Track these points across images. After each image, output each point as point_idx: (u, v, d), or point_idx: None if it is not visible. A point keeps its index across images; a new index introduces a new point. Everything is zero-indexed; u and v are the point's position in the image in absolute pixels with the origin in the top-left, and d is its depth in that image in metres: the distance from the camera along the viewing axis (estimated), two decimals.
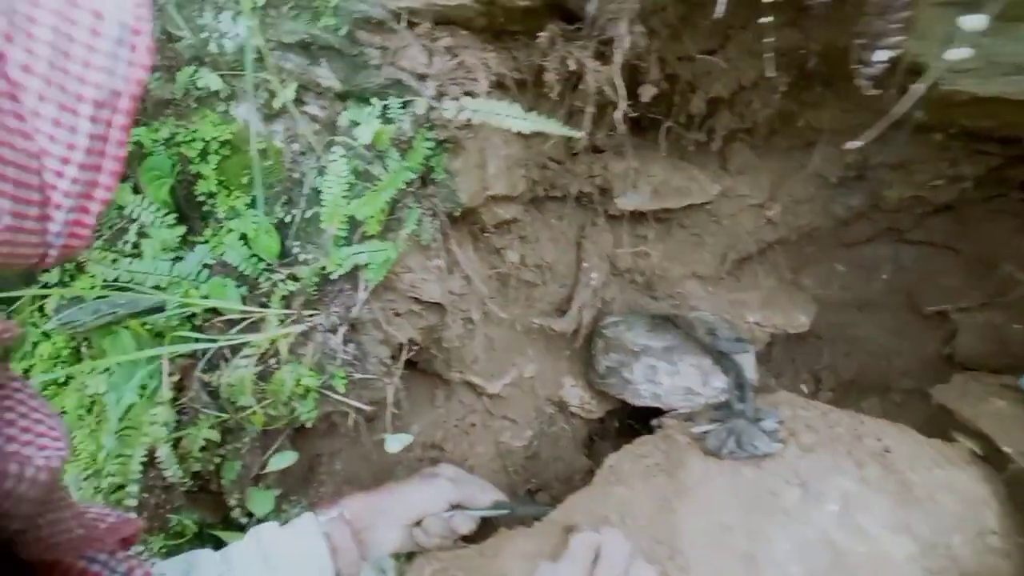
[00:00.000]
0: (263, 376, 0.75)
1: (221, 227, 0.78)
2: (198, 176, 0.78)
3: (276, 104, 0.72)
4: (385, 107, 0.67)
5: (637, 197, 0.94)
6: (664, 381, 0.89)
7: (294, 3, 0.68)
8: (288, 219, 0.76)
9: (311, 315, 0.74)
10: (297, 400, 0.74)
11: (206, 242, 0.78)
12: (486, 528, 0.86)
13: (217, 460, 0.78)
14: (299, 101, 0.72)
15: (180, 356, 0.75)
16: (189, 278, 0.75)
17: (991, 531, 0.62)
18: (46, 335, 0.78)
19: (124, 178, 0.79)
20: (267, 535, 0.72)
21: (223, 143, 0.77)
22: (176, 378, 0.75)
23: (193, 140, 0.76)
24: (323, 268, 0.74)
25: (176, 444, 0.75)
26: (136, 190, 0.78)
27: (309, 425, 0.76)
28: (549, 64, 0.69)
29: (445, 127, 0.65)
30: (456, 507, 0.83)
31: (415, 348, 0.83)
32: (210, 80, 0.74)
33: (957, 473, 0.68)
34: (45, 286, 0.77)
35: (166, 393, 0.73)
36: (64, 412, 0.78)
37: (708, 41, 0.71)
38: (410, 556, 0.86)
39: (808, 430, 0.78)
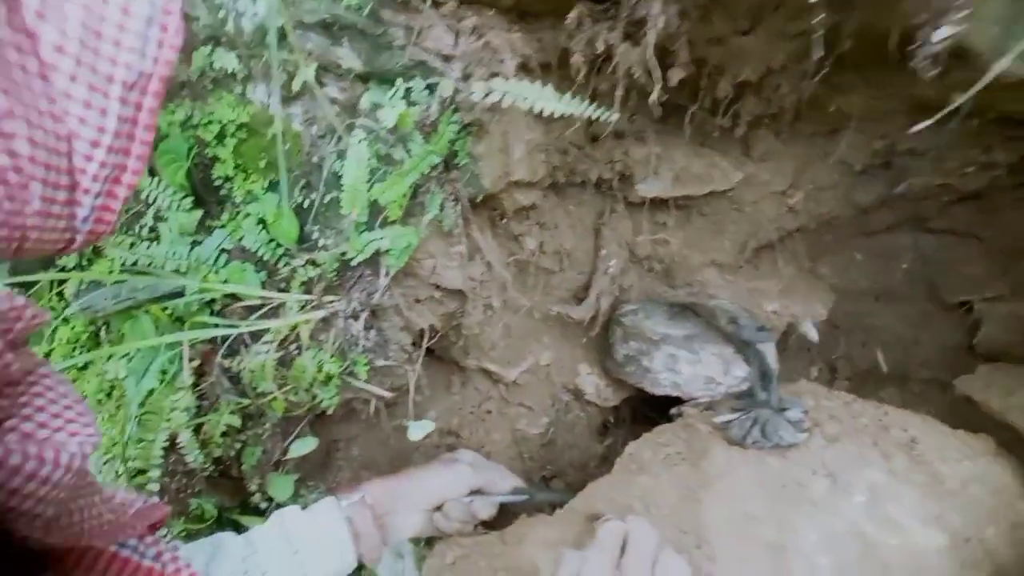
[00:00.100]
0: (283, 362, 0.75)
1: (239, 211, 0.77)
2: (215, 159, 0.77)
3: (295, 85, 0.70)
4: (408, 89, 0.65)
5: (658, 184, 0.92)
6: (684, 370, 0.88)
7: None
8: (307, 204, 0.75)
9: (331, 301, 0.73)
10: (319, 386, 0.73)
11: (224, 226, 0.77)
12: (503, 514, 0.86)
13: (238, 446, 0.78)
14: (318, 83, 0.70)
15: (200, 341, 0.74)
16: (208, 263, 0.75)
17: None
18: (65, 320, 0.78)
19: None
20: (290, 519, 0.72)
21: (240, 126, 0.75)
22: (196, 363, 0.75)
23: (210, 123, 0.75)
24: (343, 254, 0.73)
25: (197, 430, 0.75)
26: (152, 173, 0.76)
27: (330, 412, 0.76)
28: (575, 46, 0.67)
29: (471, 110, 0.64)
30: (476, 492, 0.83)
31: (435, 335, 0.83)
32: (227, 61, 0.72)
33: (988, 465, 0.68)
34: (63, 270, 0.76)
35: (187, 378, 0.73)
36: (84, 397, 0.77)
37: (739, 22, 0.69)
38: (429, 541, 0.87)
39: (832, 420, 0.77)
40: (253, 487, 0.81)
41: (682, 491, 0.70)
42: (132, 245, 0.74)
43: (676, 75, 0.70)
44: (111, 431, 0.76)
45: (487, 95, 0.58)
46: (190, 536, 0.82)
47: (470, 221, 0.77)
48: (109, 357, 0.75)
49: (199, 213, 0.76)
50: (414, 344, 0.79)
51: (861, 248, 1.18)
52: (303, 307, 0.73)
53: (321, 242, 0.74)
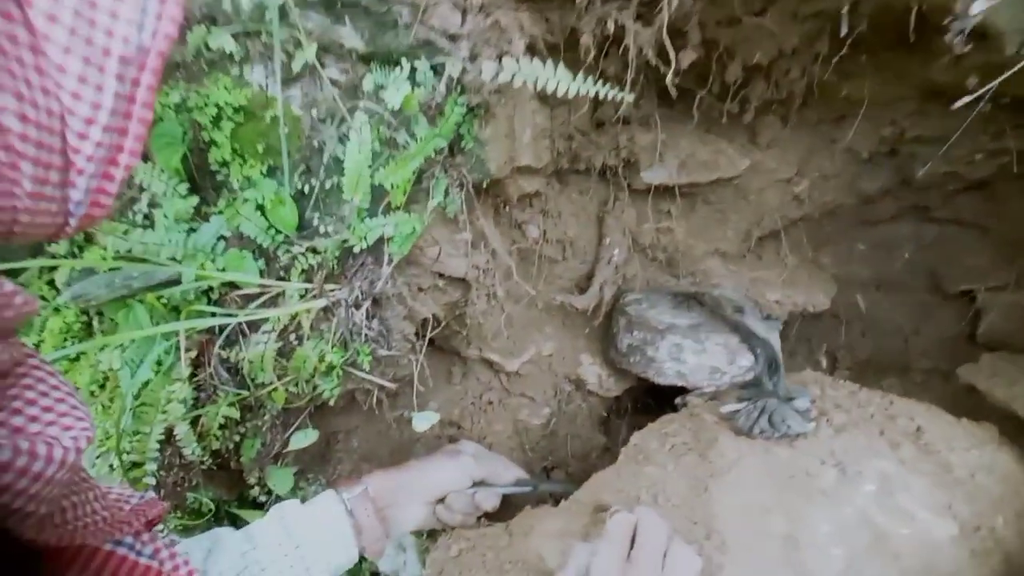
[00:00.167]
0: (283, 352, 0.73)
1: (236, 197, 0.75)
2: (211, 144, 0.74)
3: (295, 67, 0.68)
4: (413, 70, 0.63)
5: (663, 171, 0.91)
6: (689, 359, 0.88)
7: None
8: (307, 189, 0.73)
9: (333, 290, 0.71)
10: (320, 377, 0.71)
11: (221, 213, 0.74)
12: (506, 506, 0.85)
13: (236, 438, 0.76)
14: (318, 64, 0.68)
15: (197, 331, 0.72)
16: (204, 250, 0.72)
17: None
18: (56, 309, 0.75)
19: None
20: (290, 513, 0.70)
21: (237, 109, 0.73)
22: (193, 354, 0.73)
23: (205, 106, 0.72)
24: (345, 241, 0.71)
25: (195, 422, 0.73)
26: (145, 158, 0.74)
27: (332, 403, 0.74)
28: (585, 26, 0.66)
29: (478, 91, 0.62)
30: (478, 484, 0.82)
31: (437, 325, 0.81)
32: (223, 41, 0.70)
33: (994, 453, 0.67)
34: (53, 257, 0.74)
35: (184, 369, 0.71)
36: (77, 389, 0.75)
37: (753, 3, 0.68)
38: (431, 534, 0.86)
39: (838, 409, 0.77)
40: (252, 480, 0.80)
41: (690, 481, 0.69)
42: (126, 232, 0.72)
43: (687, 58, 0.68)
44: (105, 424, 0.74)
45: (497, 75, 0.56)
46: (188, 530, 0.81)
47: (475, 208, 0.75)
48: (103, 347, 0.73)
49: (195, 199, 0.74)
50: (417, 334, 0.78)
51: (863, 238, 1.18)
52: (303, 296, 0.72)
53: (322, 229, 0.72)
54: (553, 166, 0.88)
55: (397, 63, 0.63)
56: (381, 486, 0.76)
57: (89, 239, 0.73)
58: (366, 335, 0.71)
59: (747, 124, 0.89)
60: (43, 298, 0.74)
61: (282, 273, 0.73)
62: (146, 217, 0.74)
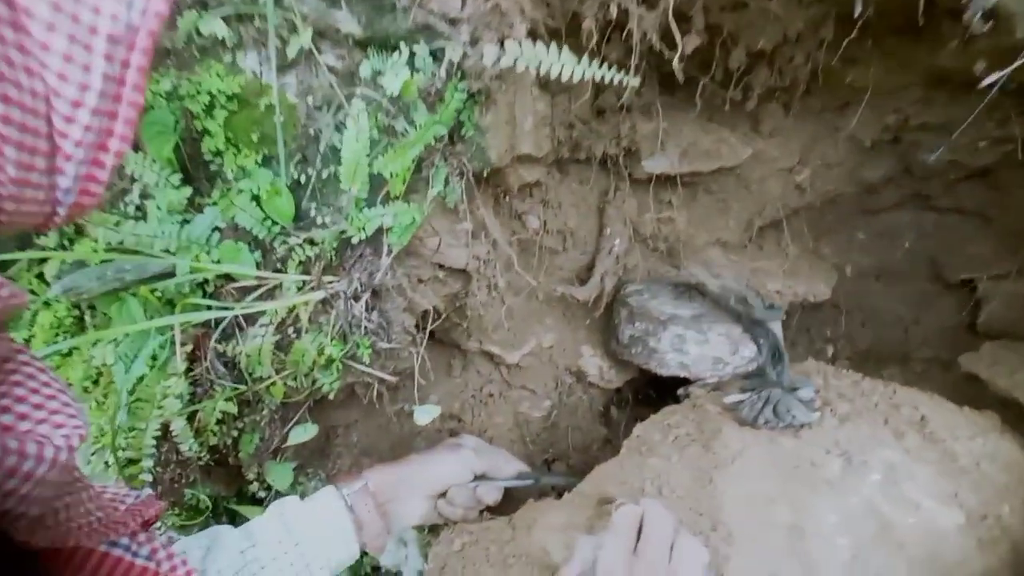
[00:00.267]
0: (281, 346, 0.72)
1: (230, 188, 0.73)
2: (204, 133, 0.72)
3: (290, 53, 0.66)
4: (412, 55, 0.61)
5: (665, 160, 0.90)
6: (692, 350, 0.87)
7: None
8: (303, 179, 0.71)
9: (331, 281, 0.70)
10: (319, 371, 0.70)
11: (215, 204, 0.73)
12: (508, 499, 0.84)
13: (235, 433, 0.75)
14: (315, 49, 0.66)
15: (193, 325, 0.71)
16: (199, 242, 0.71)
17: None
18: (46, 303, 0.73)
19: None
20: (290, 509, 0.69)
21: (230, 97, 0.71)
22: (189, 348, 0.71)
23: (198, 93, 0.71)
24: (343, 232, 0.69)
25: (191, 417, 0.72)
26: (136, 148, 0.72)
27: (331, 397, 0.73)
28: (587, 10, 0.64)
29: (479, 77, 0.60)
30: (480, 478, 0.82)
31: (438, 317, 0.80)
32: (215, 26, 0.68)
33: (998, 442, 0.67)
34: (43, 250, 0.72)
35: (179, 364, 0.69)
36: (69, 385, 0.74)
37: None
38: (433, 528, 0.85)
39: (842, 399, 0.76)
40: (251, 476, 0.79)
41: (695, 473, 0.69)
42: (117, 224, 0.70)
43: (691, 43, 0.67)
44: (100, 420, 0.72)
45: (499, 59, 0.55)
46: (185, 527, 0.79)
47: (475, 197, 0.74)
48: (95, 342, 0.71)
49: (188, 190, 0.72)
50: (417, 326, 0.76)
51: (863, 227, 1.17)
52: (301, 288, 0.70)
53: (319, 220, 0.71)
54: (554, 155, 0.86)
55: (395, 48, 0.61)
56: (382, 481, 0.75)
57: (80, 231, 0.72)
58: (366, 328, 0.70)
59: (749, 112, 0.88)
60: (33, 292, 0.72)
61: (279, 265, 0.71)
62: (138, 208, 0.72)
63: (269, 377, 0.70)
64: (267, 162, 0.72)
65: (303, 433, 0.75)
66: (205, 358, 0.71)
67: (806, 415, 0.71)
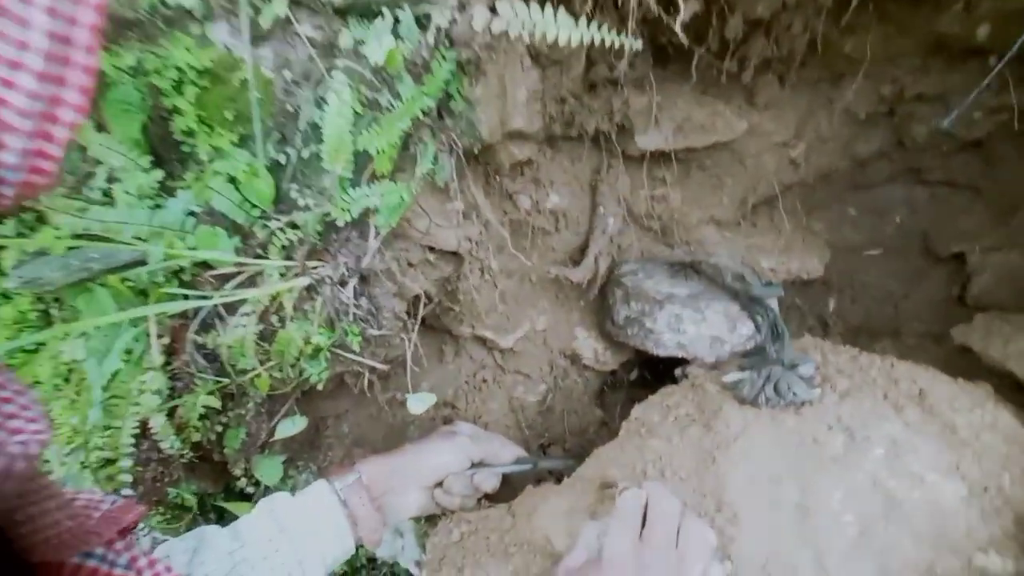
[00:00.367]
0: (265, 336, 0.68)
1: (205, 170, 0.68)
2: (174, 111, 0.67)
3: (264, 23, 0.62)
4: (396, 21, 0.57)
5: (659, 135, 0.87)
6: (689, 330, 0.85)
7: None
8: (283, 159, 0.67)
9: (316, 267, 0.66)
10: (306, 360, 0.67)
11: (189, 187, 0.68)
12: (506, 486, 0.82)
13: (219, 428, 0.71)
14: (292, 17, 0.62)
15: (169, 316, 0.67)
16: (172, 228, 0.66)
17: None
18: (6, 296, 0.69)
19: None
20: (281, 506, 0.67)
21: (201, 72, 0.66)
22: (166, 341, 0.67)
23: (165, 68, 0.66)
24: (327, 214, 0.66)
25: (171, 413, 0.68)
26: (100, 128, 0.67)
27: (319, 387, 0.70)
28: None
29: (468, 45, 0.56)
30: (477, 465, 0.80)
31: (429, 302, 0.77)
32: None
33: (997, 413, 0.67)
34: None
35: (156, 358, 0.65)
36: (38, 383, 0.69)
37: None
38: (430, 518, 0.83)
39: (841, 374, 0.76)
40: (238, 471, 0.75)
41: (697, 453, 0.68)
42: (82, 210, 0.65)
43: (690, 9, 0.64)
44: (73, 419, 0.68)
45: (490, 22, 0.51)
46: (171, 527, 0.76)
47: (466, 175, 0.70)
48: (64, 336, 0.67)
49: (159, 173, 0.68)
50: (408, 312, 0.73)
51: (854, 202, 1.17)
52: (284, 274, 0.66)
53: (301, 202, 0.67)
54: (545, 132, 0.83)
55: (378, 14, 0.57)
56: (375, 473, 0.73)
57: (41, 219, 0.67)
58: (354, 314, 0.67)
59: (745, 84, 0.86)
60: None
61: (260, 251, 0.68)
62: (105, 193, 0.68)
63: (253, 369, 0.67)
64: (244, 142, 0.68)
65: (291, 426, 0.72)
66: (184, 350, 0.67)
67: (807, 392, 0.70)
